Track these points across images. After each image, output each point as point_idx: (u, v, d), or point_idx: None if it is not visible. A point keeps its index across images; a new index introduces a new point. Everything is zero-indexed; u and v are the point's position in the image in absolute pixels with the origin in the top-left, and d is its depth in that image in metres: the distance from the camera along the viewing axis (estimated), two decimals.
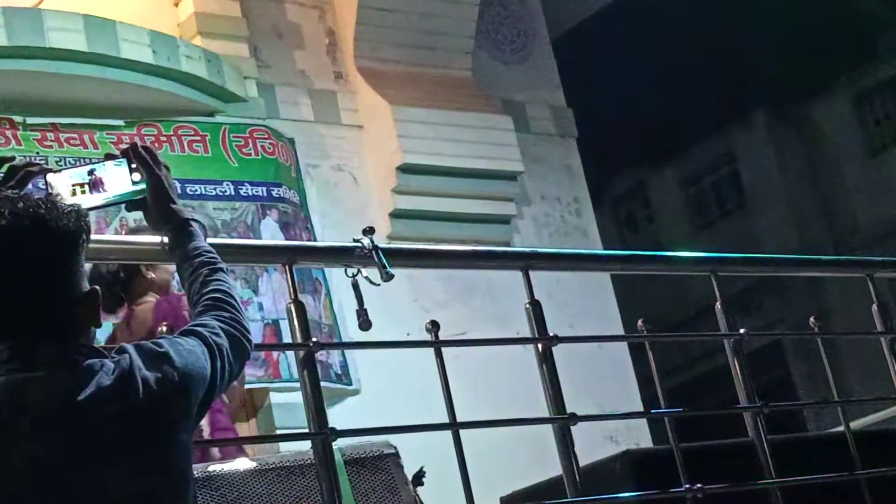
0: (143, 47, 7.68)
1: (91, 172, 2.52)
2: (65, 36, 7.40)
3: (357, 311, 2.92)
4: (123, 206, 2.60)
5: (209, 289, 2.45)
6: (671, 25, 17.43)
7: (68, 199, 2.43)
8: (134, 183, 2.54)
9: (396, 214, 8.72)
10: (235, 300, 2.47)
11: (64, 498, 2.00)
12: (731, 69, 17.85)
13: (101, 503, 2.03)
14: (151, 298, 5.02)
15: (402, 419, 3.17)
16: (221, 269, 2.51)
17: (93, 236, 2.27)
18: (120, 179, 2.54)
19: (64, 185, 2.50)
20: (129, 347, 2.16)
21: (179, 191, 7.59)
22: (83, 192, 2.51)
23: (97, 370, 2.08)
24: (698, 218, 21.43)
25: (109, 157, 2.56)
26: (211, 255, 2.53)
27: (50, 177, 2.51)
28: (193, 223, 2.57)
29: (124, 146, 2.60)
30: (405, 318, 7.24)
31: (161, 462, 2.10)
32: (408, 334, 7.10)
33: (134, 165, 2.54)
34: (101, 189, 2.52)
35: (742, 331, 3.46)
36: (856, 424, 6.17)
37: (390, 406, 7.18)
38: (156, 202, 2.55)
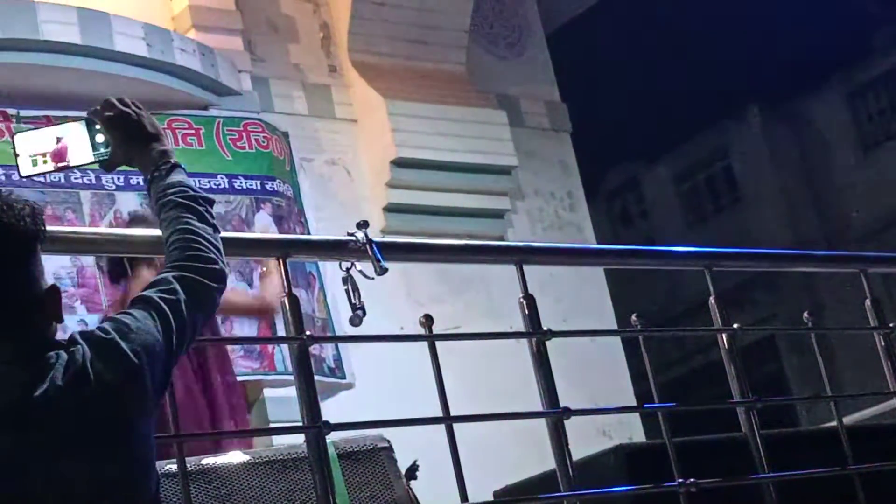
0: (137, 40, 7.67)
1: (58, 140, 2.51)
2: (59, 28, 7.39)
3: (352, 305, 2.92)
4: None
5: (171, 232, 2.43)
6: (665, 20, 17.43)
7: (28, 171, 2.48)
8: (96, 147, 2.52)
9: (390, 208, 8.72)
10: (197, 235, 2.42)
11: (23, 489, 2.01)
12: (726, 64, 17.86)
13: (60, 494, 2.04)
14: (148, 273, 5.03)
15: (396, 413, 3.17)
16: (185, 204, 2.47)
17: (88, 229, 2.28)
18: (83, 146, 2.52)
19: (28, 151, 2.48)
20: (79, 338, 2.16)
21: None
22: (45, 163, 2.50)
23: (53, 364, 2.09)
24: (692, 213, 21.45)
25: (80, 118, 2.55)
26: (178, 190, 2.49)
27: (18, 139, 2.51)
28: (170, 162, 2.55)
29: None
30: (399, 312, 7.25)
31: (119, 450, 2.11)
32: (402, 328, 7.10)
33: (98, 127, 2.52)
34: (64, 159, 2.51)
35: (735, 326, 3.47)
36: (849, 419, 6.17)
37: (384, 400, 7.19)
38: (128, 151, 2.54)
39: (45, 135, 2.52)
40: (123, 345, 2.15)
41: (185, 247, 2.39)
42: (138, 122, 2.55)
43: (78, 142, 2.52)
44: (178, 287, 2.30)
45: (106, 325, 2.20)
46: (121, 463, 2.11)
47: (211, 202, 2.54)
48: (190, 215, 2.44)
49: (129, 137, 2.54)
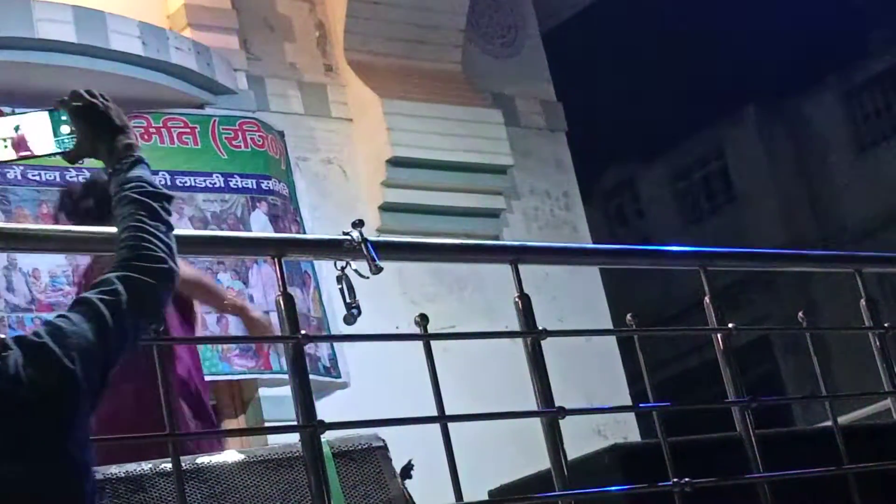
0: (133, 39, 7.67)
1: (17, 129, 2.48)
2: (54, 27, 7.39)
3: (347, 304, 2.91)
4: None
5: (122, 229, 2.39)
6: (661, 20, 17.44)
7: None
8: (60, 137, 2.49)
9: (386, 208, 8.72)
10: (148, 233, 2.37)
11: None
12: (722, 64, 17.87)
13: None
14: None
15: (391, 412, 3.17)
16: (140, 201, 2.41)
17: (82, 228, 2.27)
18: (45, 136, 2.49)
19: None
20: (12, 343, 2.14)
21: (169, 182, 7.60)
22: (5, 148, 2.47)
23: None
24: (688, 213, 21.46)
25: (45, 108, 2.52)
26: (135, 186, 2.44)
27: None
28: (133, 156, 2.50)
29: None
30: (394, 311, 7.24)
31: (54, 454, 2.10)
32: (397, 327, 7.10)
33: (65, 118, 2.49)
34: (26, 148, 2.48)
35: (730, 325, 3.47)
36: (844, 419, 6.18)
37: (379, 399, 7.19)
38: (93, 142, 2.51)
39: (5, 123, 2.49)
40: (57, 349, 2.13)
41: (133, 245, 2.35)
42: (105, 114, 2.51)
43: (40, 131, 2.49)
44: (120, 288, 2.26)
45: (40, 330, 2.18)
46: (55, 466, 2.09)
47: (169, 199, 2.48)
48: (143, 212, 2.39)
49: (95, 129, 2.51)
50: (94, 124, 2.51)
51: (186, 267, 4.94)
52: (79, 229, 3.04)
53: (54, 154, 2.52)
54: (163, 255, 2.35)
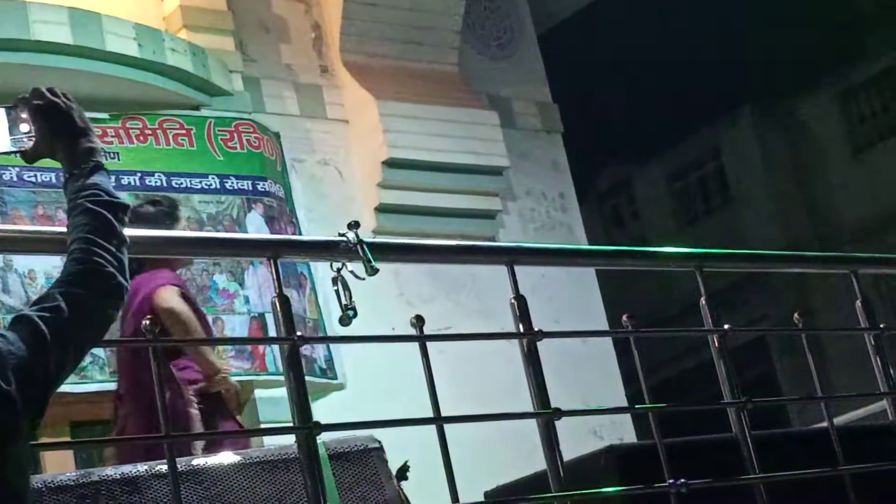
0: (129, 40, 7.67)
1: None
2: (50, 28, 7.38)
3: (342, 305, 2.91)
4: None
5: (72, 240, 2.29)
6: (657, 21, 17.46)
7: None
8: (16, 136, 2.41)
9: (382, 209, 8.72)
10: (97, 246, 2.26)
11: None
12: (718, 65, 17.89)
13: None
14: (156, 270, 5.03)
15: (387, 414, 3.17)
16: (93, 211, 2.31)
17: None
18: (0, 133, 2.41)
19: None
20: None
21: (165, 184, 7.59)
22: None
23: None
24: (683, 214, 21.47)
25: (4, 105, 2.42)
26: (90, 194, 2.34)
27: None
28: (93, 161, 2.38)
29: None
30: (390, 312, 7.24)
31: None
32: (393, 329, 7.10)
33: (24, 115, 2.40)
34: None
35: (726, 326, 3.46)
36: (840, 420, 6.18)
37: (375, 400, 7.19)
38: (52, 143, 2.41)
39: None
40: None
41: (81, 259, 2.25)
42: (67, 115, 2.42)
43: None
44: (62, 304, 2.16)
45: None
46: None
47: (125, 209, 2.37)
48: (96, 223, 2.29)
49: (56, 130, 2.41)
50: (55, 124, 2.41)
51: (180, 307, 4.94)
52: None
53: (8, 153, 2.43)
54: (111, 269, 2.25)
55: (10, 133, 2.42)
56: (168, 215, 5.30)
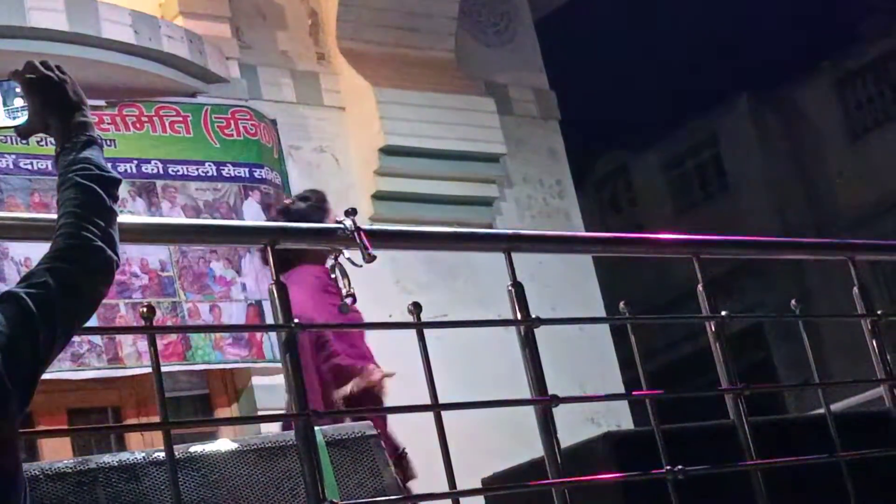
0: (125, 27, 7.66)
1: None
2: (46, 15, 7.37)
3: (341, 293, 2.91)
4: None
5: (61, 214, 2.25)
6: (655, 8, 17.44)
7: None
8: (11, 110, 2.38)
9: (379, 196, 8.72)
10: (87, 221, 2.22)
11: None
12: (715, 52, 17.87)
13: None
14: (297, 269, 5.04)
15: (385, 401, 3.17)
16: (82, 185, 2.26)
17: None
18: None
19: None
20: None
21: (161, 171, 7.59)
22: None
23: None
24: (681, 201, 21.46)
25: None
26: (81, 168, 2.29)
27: None
28: (86, 135, 2.36)
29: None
30: (387, 299, 7.23)
31: None
32: (390, 316, 7.10)
33: (18, 90, 2.38)
34: None
35: (723, 313, 3.46)
36: (837, 407, 6.19)
37: None
38: (45, 117, 2.38)
39: None
40: None
41: (70, 233, 2.21)
42: (60, 88, 2.37)
43: None
44: (49, 280, 2.12)
45: None
46: None
47: (116, 183, 2.32)
48: (85, 198, 2.25)
49: (48, 103, 2.37)
50: (47, 98, 2.37)
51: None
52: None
53: (2, 127, 2.41)
54: (100, 244, 2.21)
55: (4, 106, 2.39)
56: (318, 209, 5.29)
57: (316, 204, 5.33)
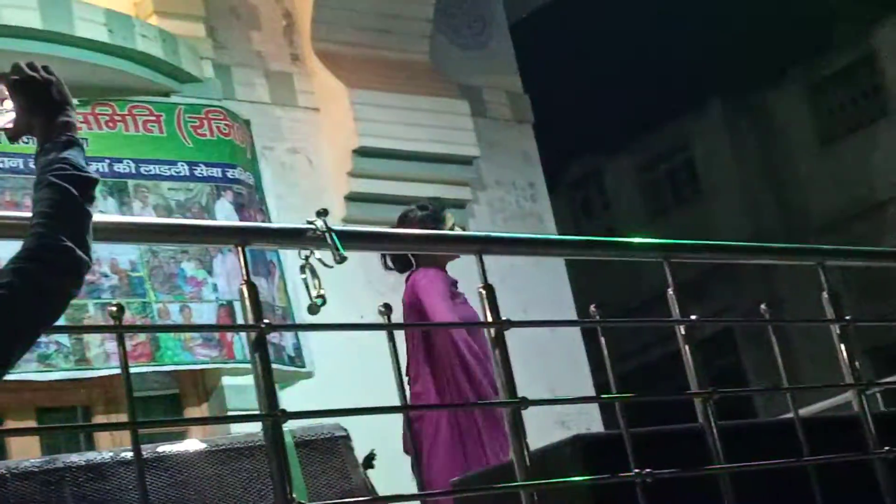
0: (99, 26, 7.63)
1: None
2: (19, 13, 7.34)
3: (310, 293, 2.90)
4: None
5: (34, 213, 2.23)
6: (628, 13, 17.48)
7: None
8: None
9: (352, 197, 8.71)
10: (59, 221, 2.20)
11: None
12: (688, 57, 17.92)
13: None
14: (418, 272, 5.13)
15: (355, 402, 3.17)
16: (57, 185, 2.24)
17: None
18: None
19: None
20: None
21: (133, 171, 7.56)
22: None
23: None
24: (653, 205, 21.51)
25: None
26: (57, 168, 2.27)
27: None
28: (65, 135, 2.33)
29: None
30: (360, 301, 7.23)
31: None
32: (361, 317, 7.10)
33: (6, 93, 2.36)
34: None
35: (693, 317, 3.47)
36: (806, 411, 6.21)
37: (343, 389, 7.18)
38: (30, 119, 2.36)
39: None
40: None
41: (40, 234, 2.19)
42: (43, 89, 2.36)
43: None
44: (15, 281, 2.11)
45: None
46: None
47: (92, 184, 2.29)
48: (58, 198, 2.23)
49: (33, 104, 2.36)
50: (31, 99, 2.36)
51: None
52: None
53: None
54: (70, 244, 2.18)
55: None
56: (434, 220, 5.35)
57: (431, 214, 5.41)
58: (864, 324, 4.21)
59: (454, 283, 5.40)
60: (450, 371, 5.00)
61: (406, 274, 5.29)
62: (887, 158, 18.51)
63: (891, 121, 18.65)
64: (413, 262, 5.23)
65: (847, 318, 3.88)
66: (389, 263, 5.45)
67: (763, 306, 3.77)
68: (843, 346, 3.84)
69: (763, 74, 19.29)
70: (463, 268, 7.03)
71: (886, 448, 3.63)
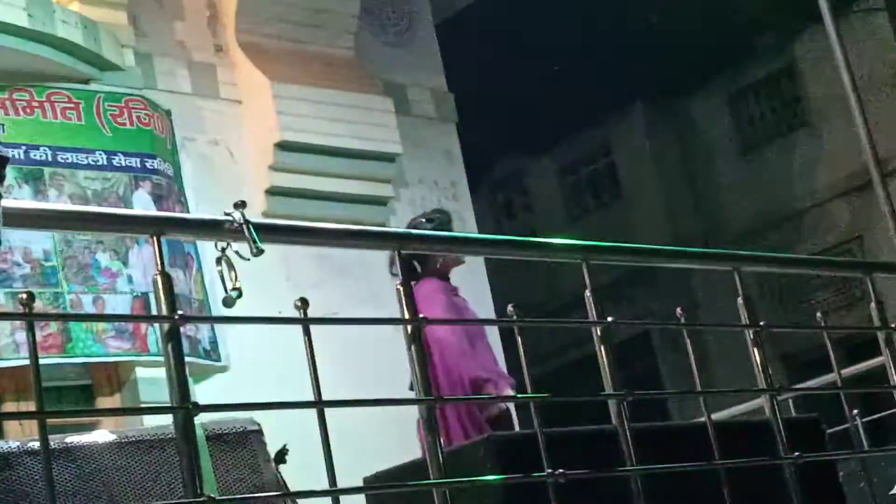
0: (19, 10, 7.52)
1: None
2: None
3: (225, 286, 2.87)
4: None
5: None
6: (554, 15, 17.54)
7: None
8: None
9: (273, 192, 8.66)
10: None
11: None
12: (612, 60, 18.02)
13: None
14: (423, 281, 5.11)
15: (271, 397, 3.14)
16: None
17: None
18: None
19: None
20: None
21: (50, 158, 7.45)
22: None
23: None
24: (574, 207, 21.61)
25: None
26: None
27: None
28: None
29: None
30: (278, 297, 7.16)
31: None
32: (279, 312, 7.04)
33: None
34: None
35: (609, 319, 3.49)
36: (720, 416, 6.27)
37: (259, 384, 7.13)
38: None
39: None
40: None
41: None
42: None
43: None
44: None
45: None
46: None
47: (3, 162, 2.20)
48: None
49: None
50: None
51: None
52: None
53: None
54: None
55: None
56: (442, 230, 5.36)
57: (439, 227, 5.43)
58: (777, 329, 4.24)
59: (454, 291, 5.44)
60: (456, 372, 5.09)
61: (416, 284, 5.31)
62: (806, 168, 18.76)
63: (810, 131, 18.89)
64: (418, 268, 5.26)
65: (761, 323, 3.92)
66: (395, 270, 5.46)
67: (678, 311, 3.80)
68: (756, 352, 3.88)
69: (686, 81, 19.45)
70: (383, 265, 7.01)
71: (796, 454, 3.67)
